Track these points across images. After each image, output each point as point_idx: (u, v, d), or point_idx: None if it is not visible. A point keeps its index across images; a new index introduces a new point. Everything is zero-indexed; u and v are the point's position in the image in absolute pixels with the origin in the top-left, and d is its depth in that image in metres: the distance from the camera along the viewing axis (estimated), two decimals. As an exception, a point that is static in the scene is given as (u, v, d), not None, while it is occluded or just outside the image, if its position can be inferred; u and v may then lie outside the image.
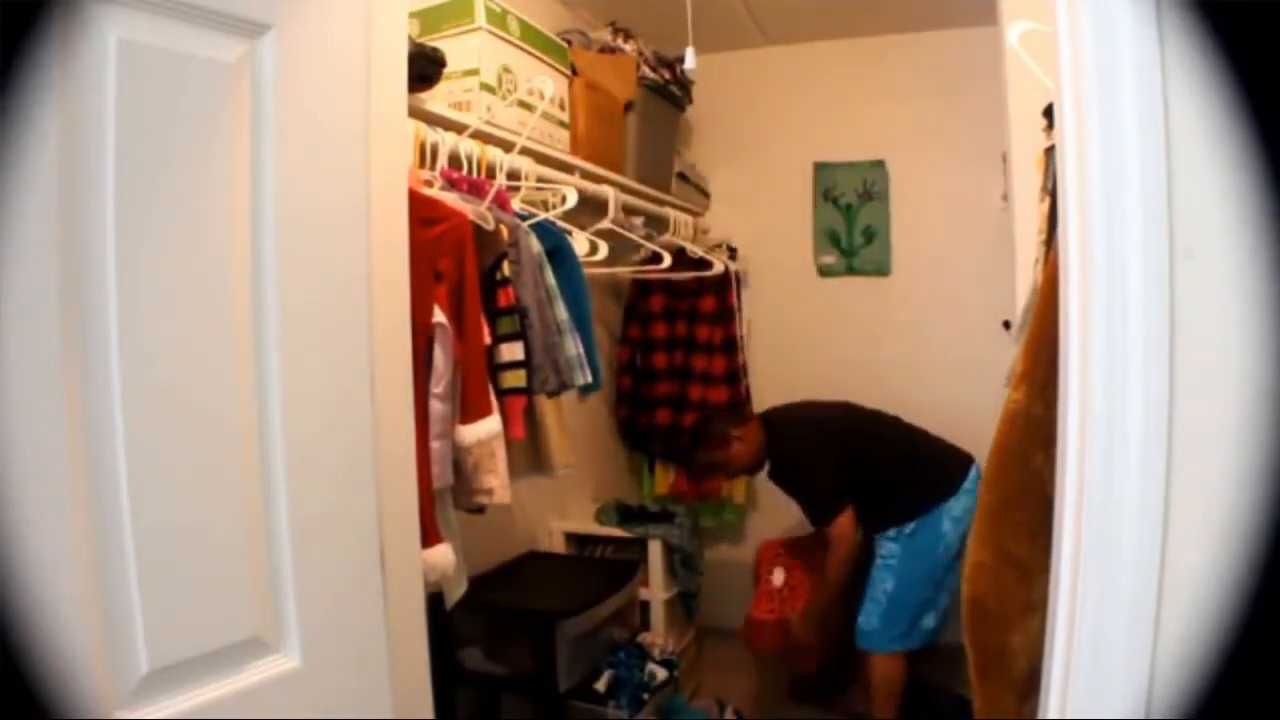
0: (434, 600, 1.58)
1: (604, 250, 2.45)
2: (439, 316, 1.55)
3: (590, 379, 1.94)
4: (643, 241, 2.93)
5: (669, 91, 3.10)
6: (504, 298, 1.76)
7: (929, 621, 2.63)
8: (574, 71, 2.52)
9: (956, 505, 2.59)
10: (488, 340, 1.72)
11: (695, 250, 3.17)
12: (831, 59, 3.56)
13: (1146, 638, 0.84)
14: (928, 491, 2.63)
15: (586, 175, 2.50)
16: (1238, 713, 0.80)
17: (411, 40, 1.55)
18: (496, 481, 1.68)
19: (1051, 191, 1.41)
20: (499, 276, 1.76)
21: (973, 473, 2.62)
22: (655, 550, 2.90)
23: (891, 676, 2.65)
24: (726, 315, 3.32)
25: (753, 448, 2.80)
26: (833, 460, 2.69)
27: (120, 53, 0.89)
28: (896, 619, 2.61)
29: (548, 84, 2.11)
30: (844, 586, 2.70)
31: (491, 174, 1.96)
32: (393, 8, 1.30)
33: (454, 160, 1.86)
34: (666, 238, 3.07)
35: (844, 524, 2.61)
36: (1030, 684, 1.12)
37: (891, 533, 2.63)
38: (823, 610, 2.74)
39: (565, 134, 2.46)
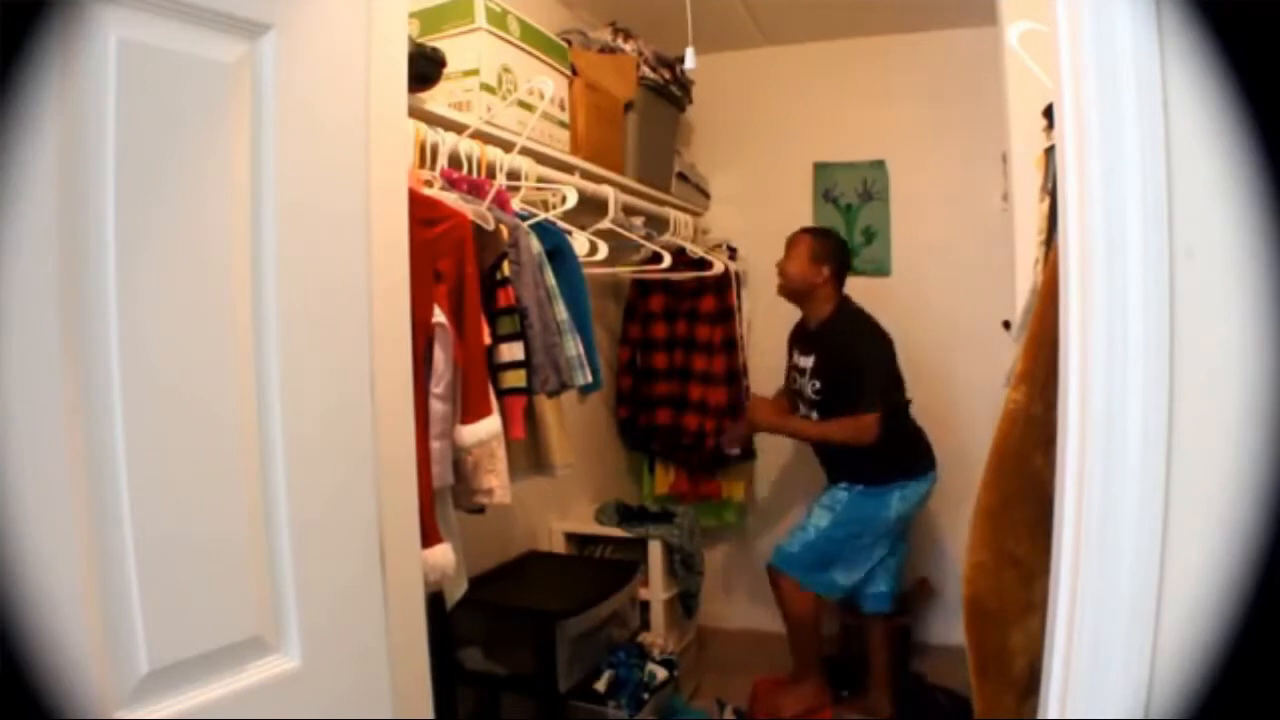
0: (434, 600, 1.58)
1: (604, 250, 2.45)
2: (439, 316, 1.55)
3: (590, 379, 1.93)
4: (643, 241, 2.93)
5: (669, 91, 3.10)
6: (504, 298, 1.76)
7: (840, 578, 2.79)
8: (574, 71, 2.52)
9: (912, 490, 2.79)
10: (488, 340, 1.72)
11: (695, 250, 3.17)
12: (831, 59, 3.56)
13: (1146, 638, 0.84)
14: (900, 464, 2.80)
15: (586, 175, 2.50)
16: (1237, 713, 0.80)
17: (411, 40, 1.55)
18: (496, 481, 1.68)
19: (1051, 191, 1.41)
20: (499, 276, 1.76)
21: (933, 474, 2.86)
22: (655, 550, 2.90)
23: (799, 605, 2.80)
24: (727, 315, 3.32)
25: (817, 282, 2.84)
26: (889, 364, 2.81)
27: (120, 53, 0.89)
28: (812, 555, 2.77)
29: (548, 84, 2.11)
30: (822, 442, 2.89)
31: (491, 174, 1.96)
32: (393, 8, 1.30)
33: (454, 160, 1.86)
34: (666, 238, 3.07)
35: (874, 422, 2.68)
36: (1030, 684, 1.12)
37: (845, 484, 2.80)
38: (789, 432, 2.95)
39: (565, 134, 2.46)
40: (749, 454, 3.39)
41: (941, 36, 3.33)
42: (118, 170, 0.89)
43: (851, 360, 2.79)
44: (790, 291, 2.93)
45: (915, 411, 2.95)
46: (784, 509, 3.59)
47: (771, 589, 2.91)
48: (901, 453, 2.81)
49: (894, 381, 2.84)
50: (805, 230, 2.99)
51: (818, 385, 2.84)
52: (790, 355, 3.03)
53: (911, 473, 2.81)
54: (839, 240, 2.99)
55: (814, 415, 2.87)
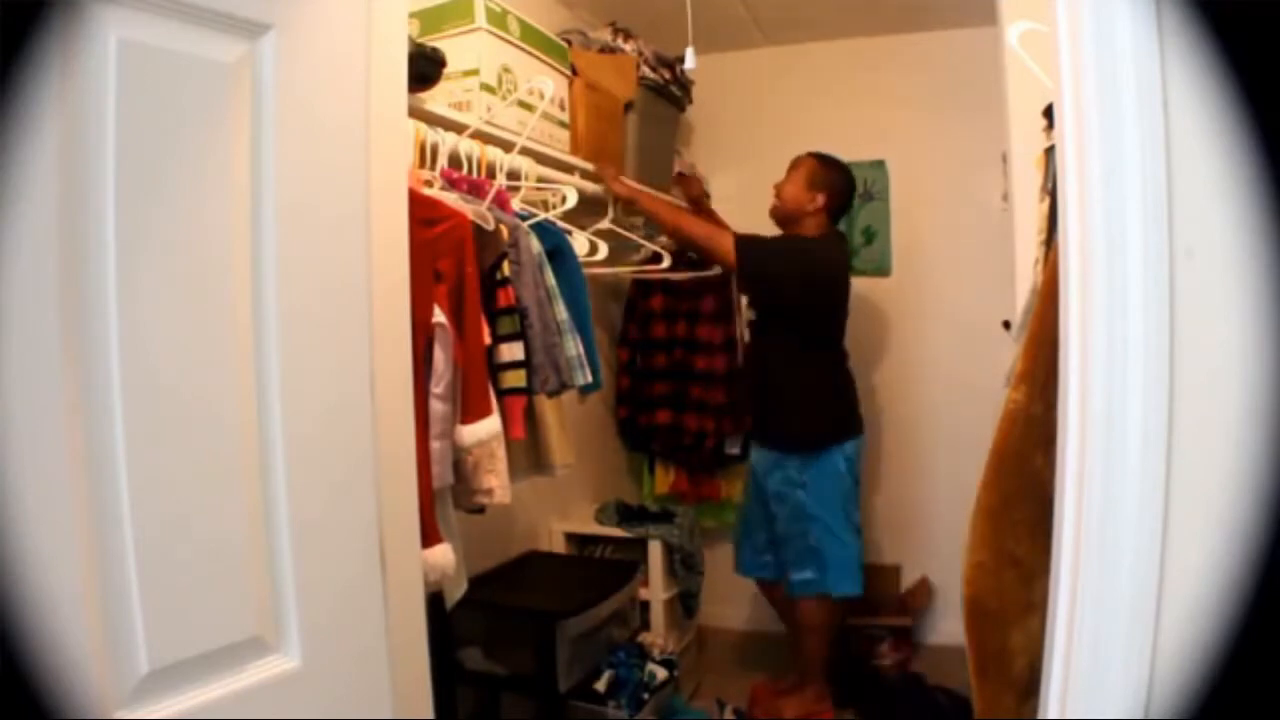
0: (434, 600, 1.58)
1: (604, 250, 2.45)
2: (439, 316, 1.55)
3: (590, 379, 1.93)
4: (643, 241, 2.93)
5: (669, 91, 3.10)
6: (504, 298, 1.76)
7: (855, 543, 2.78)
8: (574, 71, 2.52)
9: (850, 446, 2.72)
10: (488, 340, 1.72)
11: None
12: (831, 59, 3.56)
13: (1146, 638, 0.84)
14: (839, 423, 2.74)
15: (586, 175, 2.50)
16: (1237, 713, 0.80)
17: (411, 40, 1.55)
18: (496, 481, 1.68)
19: (1051, 191, 1.41)
20: (499, 276, 1.76)
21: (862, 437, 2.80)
22: (655, 550, 2.90)
23: (823, 617, 2.76)
24: (727, 315, 3.31)
25: (808, 209, 2.72)
26: (808, 271, 2.68)
27: (120, 53, 0.89)
28: (846, 552, 2.72)
29: (548, 84, 2.11)
30: (669, 228, 2.78)
31: (491, 174, 1.95)
32: (393, 8, 1.30)
33: (454, 160, 1.86)
34: (666, 238, 3.07)
35: (732, 246, 2.63)
36: (1030, 684, 1.12)
37: (778, 454, 2.73)
38: (643, 203, 2.67)
39: (565, 134, 2.46)
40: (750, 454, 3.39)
41: (941, 36, 3.33)
42: (118, 170, 0.89)
43: (784, 240, 2.71)
44: (780, 215, 2.80)
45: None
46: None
47: (784, 610, 2.89)
48: (838, 410, 2.78)
49: (818, 307, 2.72)
50: (811, 153, 2.82)
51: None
52: None
53: (850, 429, 2.76)
54: (844, 171, 2.81)
55: (749, 313, 2.81)
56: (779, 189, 2.82)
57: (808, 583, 2.72)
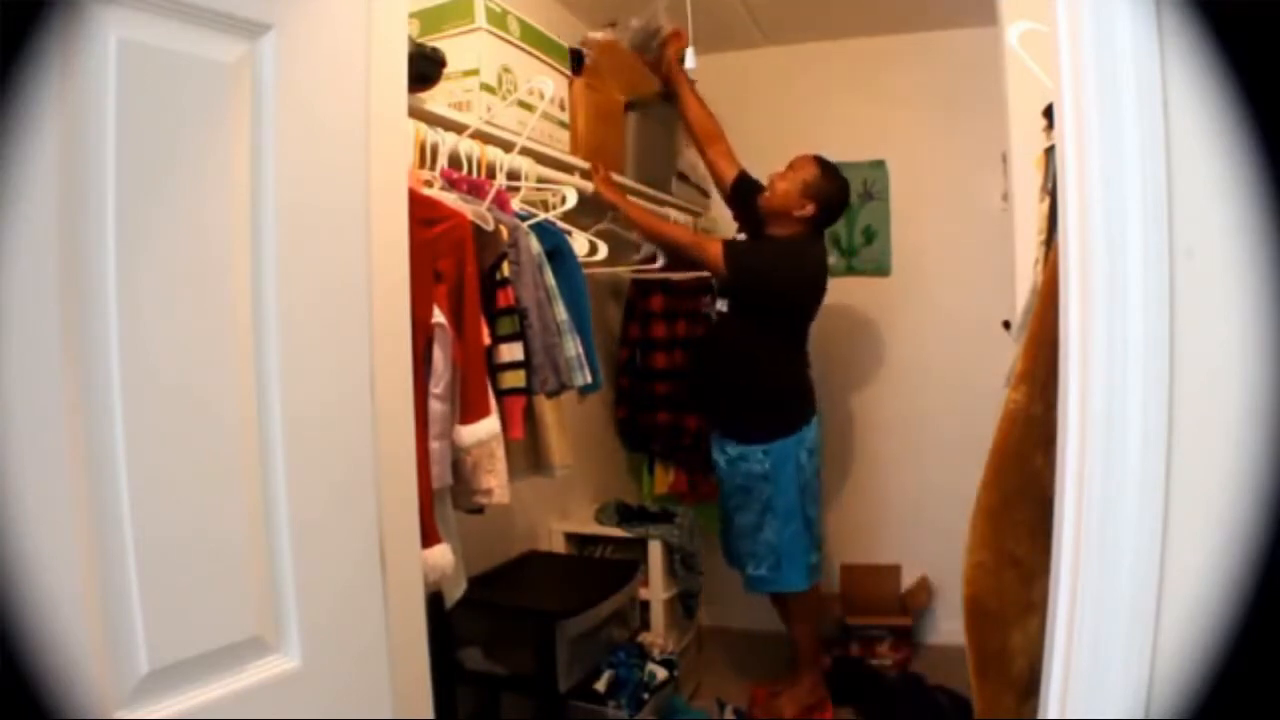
0: (434, 600, 1.58)
1: (604, 250, 2.45)
2: (439, 316, 1.55)
3: (590, 379, 1.93)
4: (643, 241, 2.93)
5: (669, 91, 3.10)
6: (504, 298, 1.76)
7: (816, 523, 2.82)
8: (578, 70, 2.52)
9: (810, 433, 2.76)
10: (487, 340, 1.72)
11: (695, 250, 3.17)
12: (831, 59, 3.56)
13: (1146, 638, 0.84)
14: (794, 412, 2.77)
15: (586, 175, 2.50)
16: (1237, 713, 0.80)
17: (411, 40, 1.55)
18: (496, 482, 1.68)
19: (1051, 191, 1.41)
20: (499, 277, 1.76)
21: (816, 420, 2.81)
22: (655, 550, 2.90)
23: (807, 605, 2.83)
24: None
25: (794, 214, 2.72)
26: (794, 276, 2.72)
27: (120, 53, 0.89)
28: (800, 539, 2.76)
29: (548, 84, 2.11)
30: (649, 235, 2.81)
31: (491, 174, 1.95)
32: (393, 8, 1.30)
33: (454, 160, 1.86)
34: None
35: (720, 251, 2.67)
36: (1030, 684, 1.12)
37: (734, 442, 2.76)
38: (625, 209, 2.65)
39: (565, 134, 2.46)
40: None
41: (941, 36, 3.33)
42: (118, 170, 0.89)
43: (772, 245, 2.74)
44: (767, 208, 2.78)
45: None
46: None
47: (777, 607, 2.91)
48: (802, 400, 2.81)
49: (806, 306, 2.76)
50: (816, 158, 2.77)
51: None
52: None
53: (805, 419, 2.78)
54: (842, 186, 2.78)
55: (720, 305, 2.81)
56: (773, 181, 2.79)
57: (762, 579, 2.77)
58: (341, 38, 1.17)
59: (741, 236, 2.93)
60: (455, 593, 1.74)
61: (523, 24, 2.21)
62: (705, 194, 3.66)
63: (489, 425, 1.66)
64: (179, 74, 0.96)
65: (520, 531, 2.80)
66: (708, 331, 2.93)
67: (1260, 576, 0.79)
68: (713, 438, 2.91)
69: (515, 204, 2.03)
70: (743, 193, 2.89)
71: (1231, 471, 0.81)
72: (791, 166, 2.78)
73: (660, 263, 2.97)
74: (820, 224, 2.79)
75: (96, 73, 0.88)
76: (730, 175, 2.93)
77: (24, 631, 0.80)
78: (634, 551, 2.91)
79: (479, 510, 1.78)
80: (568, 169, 2.41)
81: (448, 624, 1.93)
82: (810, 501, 2.78)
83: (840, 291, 3.59)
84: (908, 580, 3.43)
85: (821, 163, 2.76)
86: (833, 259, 3.60)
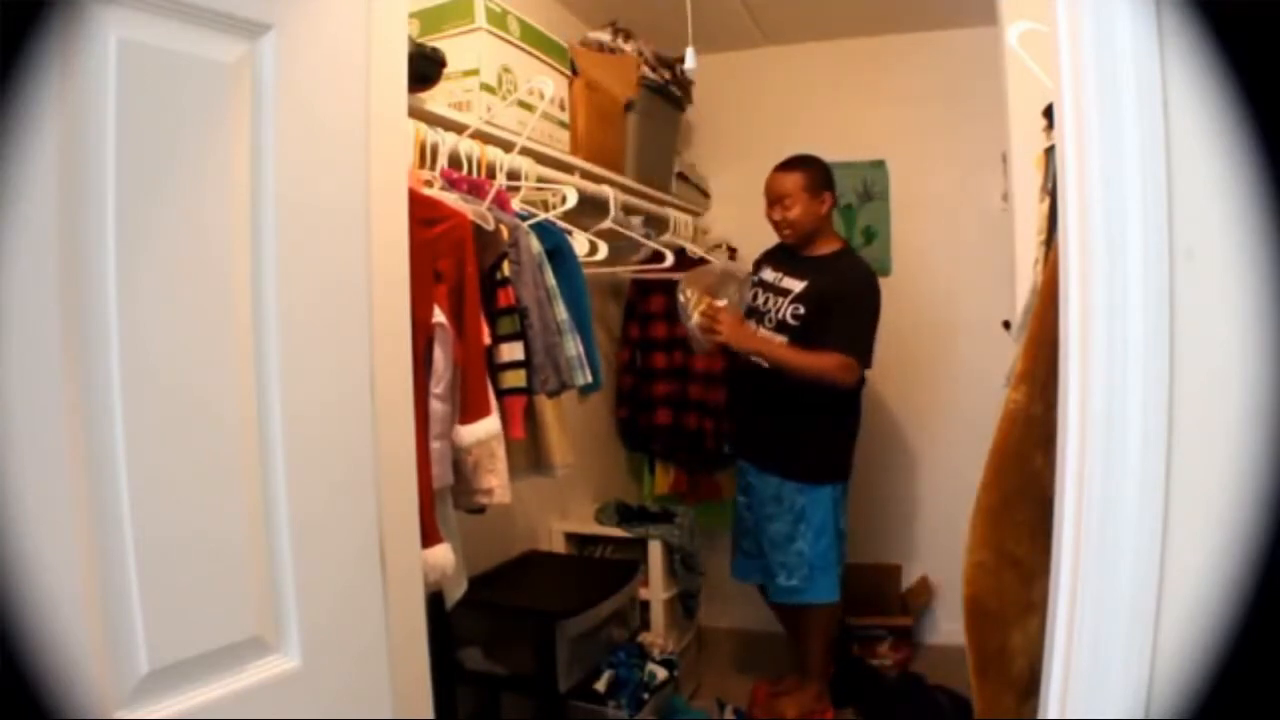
0: (434, 600, 1.58)
1: (604, 250, 2.45)
2: (439, 316, 1.55)
3: (590, 379, 1.93)
4: (643, 241, 2.93)
5: (669, 91, 3.10)
6: (504, 298, 1.76)
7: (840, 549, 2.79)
8: (574, 71, 2.52)
9: (841, 488, 2.75)
10: (488, 340, 1.72)
11: (695, 250, 3.17)
12: (831, 59, 3.56)
13: (1146, 638, 0.84)
14: (841, 458, 2.75)
15: (586, 175, 2.49)
16: (1237, 713, 0.80)
17: (411, 40, 1.55)
18: (496, 481, 1.68)
19: (1051, 191, 1.41)
20: (499, 276, 1.76)
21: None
22: (655, 550, 2.90)
23: (825, 619, 2.80)
24: (727, 315, 3.31)
25: (823, 214, 2.66)
26: (875, 325, 2.64)
27: (120, 53, 0.89)
28: (827, 555, 2.72)
29: (548, 84, 2.11)
30: (794, 373, 2.59)
31: (491, 174, 1.95)
32: (393, 8, 1.30)
33: (454, 160, 1.86)
34: (667, 238, 3.07)
35: (856, 366, 2.56)
36: (1030, 684, 1.12)
37: (776, 476, 2.72)
38: (766, 352, 2.61)
39: (565, 134, 2.46)
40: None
41: (941, 36, 3.33)
42: (118, 170, 0.89)
43: (854, 298, 2.60)
44: (799, 237, 2.69)
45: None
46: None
47: (784, 614, 2.90)
48: (846, 452, 2.78)
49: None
50: (785, 168, 2.68)
51: (801, 310, 2.62)
52: (758, 270, 2.84)
53: (845, 474, 2.76)
54: (819, 160, 2.72)
55: (779, 335, 2.72)
56: (784, 217, 2.67)
57: (794, 590, 2.72)
58: (341, 38, 1.17)
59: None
60: (456, 592, 1.74)
61: (523, 24, 2.21)
62: (705, 194, 3.66)
63: (489, 425, 1.66)
64: (179, 74, 0.96)
65: (520, 531, 2.80)
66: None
67: (1260, 577, 0.79)
68: (744, 460, 2.88)
69: (515, 204, 2.03)
70: (856, 343, 2.62)
71: (1231, 472, 0.81)
72: (777, 192, 2.69)
73: (664, 264, 2.96)
74: (835, 202, 2.75)
75: (96, 73, 0.88)
76: (844, 363, 2.58)
77: (24, 631, 0.80)
78: (634, 551, 2.91)
79: (479, 510, 1.78)
80: (568, 169, 2.41)
81: (448, 624, 1.93)
82: (843, 514, 2.77)
83: (840, 291, 3.60)
84: (908, 580, 3.43)
85: (788, 164, 2.71)
86: (833, 259, 3.60)
